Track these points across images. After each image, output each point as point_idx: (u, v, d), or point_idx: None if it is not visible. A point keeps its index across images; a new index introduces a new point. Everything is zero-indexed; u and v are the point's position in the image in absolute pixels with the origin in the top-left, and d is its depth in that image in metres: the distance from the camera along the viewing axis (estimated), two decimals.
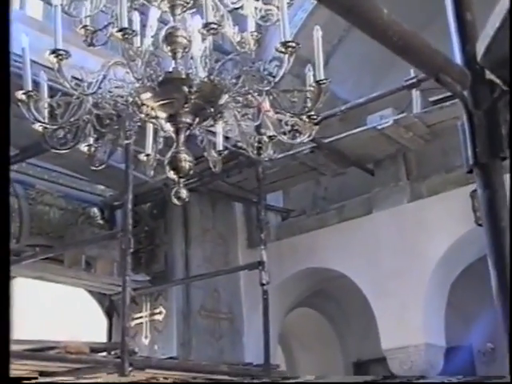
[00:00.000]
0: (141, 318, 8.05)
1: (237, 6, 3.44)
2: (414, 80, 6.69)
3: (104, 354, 5.92)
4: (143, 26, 3.40)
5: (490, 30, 1.56)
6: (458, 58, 1.78)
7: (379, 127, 7.42)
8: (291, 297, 8.78)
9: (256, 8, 3.35)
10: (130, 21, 3.30)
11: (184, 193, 3.51)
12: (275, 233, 8.56)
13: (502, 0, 1.49)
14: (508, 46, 1.52)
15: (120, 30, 2.72)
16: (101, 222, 7.83)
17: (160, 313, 7.96)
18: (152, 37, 3.38)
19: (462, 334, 9.28)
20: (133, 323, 7.87)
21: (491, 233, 1.70)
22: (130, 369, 5.61)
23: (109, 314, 8.06)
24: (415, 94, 7.33)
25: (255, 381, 5.31)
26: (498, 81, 1.63)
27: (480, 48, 1.64)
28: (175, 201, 3.56)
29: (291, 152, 7.45)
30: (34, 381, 2.27)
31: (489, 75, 1.67)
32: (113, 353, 6.00)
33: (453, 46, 1.80)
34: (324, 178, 8.76)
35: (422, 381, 5.07)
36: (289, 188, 9.01)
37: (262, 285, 7.00)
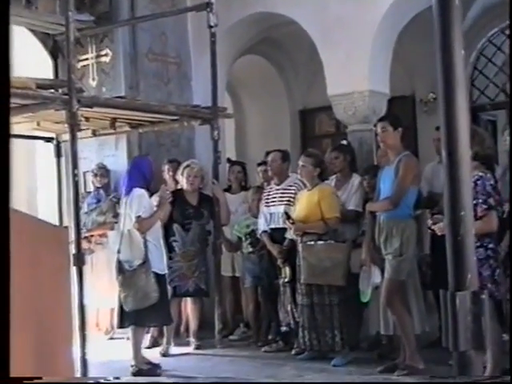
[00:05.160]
0: (87, 59, 7.93)
1: None
2: None
3: (51, 90, 5.91)
4: None
5: None
6: None
7: None
8: (239, 42, 8.70)
9: None
10: None
11: None
12: None
13: None
14: None
15: None
16: None
17: (106, 55, 7.84)
18: None
19: (406, 84, 9.48)
20: (79, 65, 7.79)
21: None
22: (78, 106, 5.66)
23: (53, 54, 7.91)
24: None
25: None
26: None
27: None
28: None
29: None
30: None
31: None
32: (60, 91, 6.00)
33: None
34: None
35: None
36: None
37: (210, 27, 6.89)
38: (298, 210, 6.30)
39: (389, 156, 5.99)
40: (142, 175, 6.06)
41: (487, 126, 9.35)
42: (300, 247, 6.15)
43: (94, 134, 7.36)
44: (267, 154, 7.05)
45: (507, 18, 8.93)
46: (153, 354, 6.51)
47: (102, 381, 2.59)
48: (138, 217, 5.96)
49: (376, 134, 6.19)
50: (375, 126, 6.34)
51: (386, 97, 7.86)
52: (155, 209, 6.11)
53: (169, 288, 6.41)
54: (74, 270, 5.50)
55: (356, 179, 6.57)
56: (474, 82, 9.37)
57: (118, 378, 2.87)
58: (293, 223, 6.20)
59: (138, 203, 5.98)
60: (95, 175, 7.64)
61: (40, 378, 2.39)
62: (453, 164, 1.88)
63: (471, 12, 8.57)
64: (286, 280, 6.38)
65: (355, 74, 7.58)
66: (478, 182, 4.73)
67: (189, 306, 7.04)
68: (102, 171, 7.65)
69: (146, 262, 5.89)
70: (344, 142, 7.20)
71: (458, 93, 1.84)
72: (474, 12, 8.64)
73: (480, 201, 4.71)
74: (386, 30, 7.59)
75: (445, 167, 1.91)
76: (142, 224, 5.95)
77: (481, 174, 4.77)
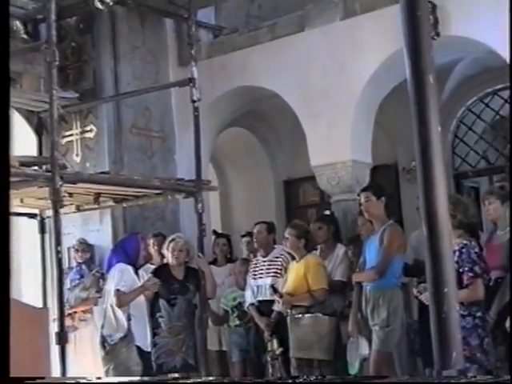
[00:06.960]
0: (71, 135, 7.99)
1: None
2: None
3: (35, 168, 5.91)
4: None
5: None
6: None
7: None
8: (223, 116, 8.80)
9: None
10: None
11: None
12: (206, 50, 8.41)
13: None
14: None
15: None
16: (24, 36, 7.51)
17: (91, 130, 7.91)
18: None
19: (388, 153, 9.58)
20: (63, 141, 7.83)
21: None
22: (61, 182, 5.65)
23: (38, 131, 7.96)
24: None
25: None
26: None
27: None
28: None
29: None
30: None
31: None
32: (43, 167, 6.00)
33: None
34: None
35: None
36: (221, 4, 8.76)
37: (193, 101, 6.97)
38: (288, 283, 6.28)
39: (373, 225, 6.01)
40: (124, 253, 6.12)
41: (470, 193, 9.42)
42: (288, 320, 6.11)
43: (78, 209, 7.33)
44: (256, 225, 7.06)
45: (485, 87, 9.14)
46: None
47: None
48: (118, 290, 6.01)
49: (360, 204, 6.21)
50: (359, 195, 6.37)
51: (368, 166, 7.93)
52: (138, 285, 6.15)
53: (154, 365, 6.29)
54: (57, 348, 5.40)
55: (341, 249, 6.56)
56: (455, 150, 9.48)
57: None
58: (281, 296, 6.17)
59: (120, 277, 6.05)
60: (76, 251, 7.61)
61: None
62: (433, 240, 1.88)
63: (449, 83, 8.74)
64: (277, 353, 6.30)
65: (338, 145, 7.67)
66: (463, 250, 4.74)
67: None
68: (83, 246, 7.62)
69: (127, 335, 5.90)
70: (327, 213, 7.22)
71: (437, 170, 1.85)
72: (451, 83, 8.81)
73: (466, 269, 4.70)
74: (367, 100, 7.71)
75: (426, 243, 1.91)
76: (121, 298, 6.00)
77: (465, 242, 4.78)
